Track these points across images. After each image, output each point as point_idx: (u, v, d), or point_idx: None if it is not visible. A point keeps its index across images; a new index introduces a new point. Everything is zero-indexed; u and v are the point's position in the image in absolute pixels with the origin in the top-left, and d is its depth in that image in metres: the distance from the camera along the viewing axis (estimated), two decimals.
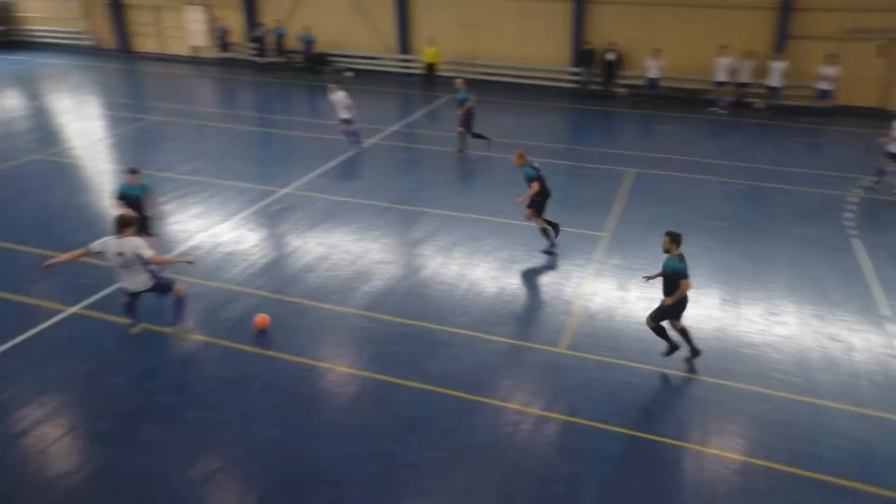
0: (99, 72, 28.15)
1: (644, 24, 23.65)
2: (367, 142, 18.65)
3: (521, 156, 12.13)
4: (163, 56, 30.75)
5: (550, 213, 13.37)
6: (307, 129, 19.38)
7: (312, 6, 27.82)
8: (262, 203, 14.43)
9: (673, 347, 9.21)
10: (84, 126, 20.48)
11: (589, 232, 13.23)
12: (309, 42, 27.40)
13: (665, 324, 9.16)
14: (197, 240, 12.70)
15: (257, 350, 9.35)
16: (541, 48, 25.32)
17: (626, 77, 24.25)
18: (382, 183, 15.70)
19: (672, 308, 8.90)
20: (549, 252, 12.40)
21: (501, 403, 8.43)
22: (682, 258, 8.78)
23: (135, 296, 9.33)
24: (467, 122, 17.66)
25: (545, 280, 11.43)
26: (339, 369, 9.02)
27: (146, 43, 31.23)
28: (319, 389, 8.65)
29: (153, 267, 9.13)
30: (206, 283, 11.11)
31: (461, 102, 17.48)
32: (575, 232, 13.14)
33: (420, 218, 13.74)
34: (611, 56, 23.80)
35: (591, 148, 18.73)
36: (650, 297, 10.74)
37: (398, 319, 10.17)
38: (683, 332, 9.17)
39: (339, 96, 17.42)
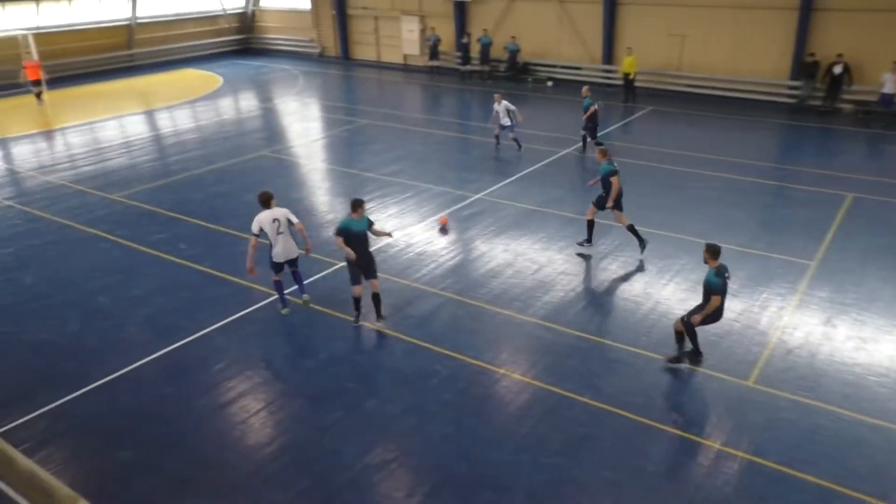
0: (321, 77, 30.57)
1: (880, 34, 21.28)
2: (561, 152, 18.56)
3: (604, 153, 12.26)
4: (377, 63, 32.72)
5: (749, 234, 12.46)
6: (505, 137, 19.67)
7: (520, 16, 28.20)
8: (455, 207, 14.86)
9: (696, 354, 9.15)
10: (304, 126, 22.37)
11: (795, 259, 12.16)
12: (513, 51, 27.80)
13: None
14: (392, 238, 13.35)
15: (438, 349, 9.65)
16: (756, 60, 23.68)
17: (854, 92, 21.98)
18: (572, 194, 15.53)
19: (703, 322, 8.87)
20: (582, 246, 12.64)
21: (678, 432, 8.01)
22: (719, 271, 8.71)
23: (291, 264, 10.35)
24: (591, 127, 18.01)
25: (739, 306, 10.68)
26: (514, 376, 9.06)
27: (364, 51, 33.41)
28: (493, 393, 8.75)
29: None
30: (396, 279, 11.66)
31: (586, 108, 17.83)
32: (778, 258, 12.15)
33: (608, 231, 13.42)
34: (837, 69, 21.69)
35: (804, 168, 17.21)
36: (862, 335, 9.67)
37: (576, 332, 10.01)
38: (690, 330, 9.05)
39: (503, 105, 18.12)
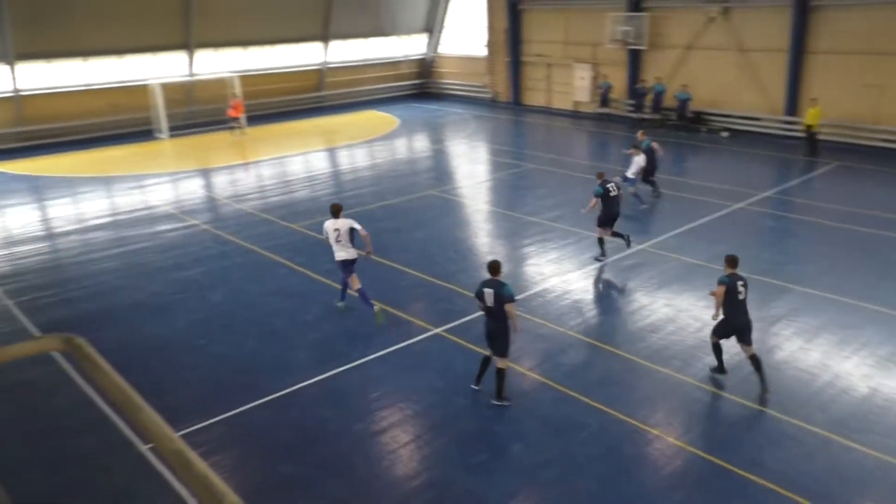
0: (492, 121, 31.31)
1: None
2: (732, 206, 17.64)
3: (600, 175, 14.49)
4: (547, 109, 33.01)
5: None
6: (672, 188, 19.04)
7: (695, 64, 27.38)
8: (616, 257, 14.54)
9: (720, 369, 9.89)
10: (472, 168, 22.97)
11: None
12: (684, 100, 26.97)
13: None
14: (549, 283, 13.29)
15: (589, 401, 9.41)
16: None
17: None
18: (744, 251, 14.62)
19: (716, 331, 9.73)
20: (599, 260, 14.08)
21: None
22: (729, 274, 9.44)
23: (345, 269, 11.66)
24: (649, 170, 18.03)
25: None
26: (668, 438, 8.62)
27: (535, 97, 33.85)
28: (644, 454, 8.37)
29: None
30: (550, 325, 11.56)
31: (646, 150, 17.96)
32: None
33: (782, 293, 12.52)
34: None
35: None
36: None
37: (740, 399, 9.37)
38: (715, 348, 9.85)
39: (639, 158, 17.54)
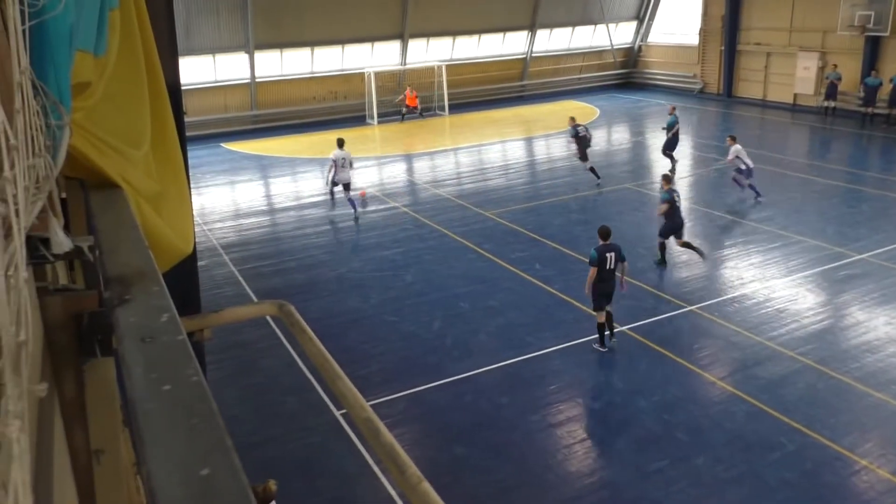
0: (698, 114, 29.58)
1: None
2: None
3: (665, 181, 13.92)
4: (762, 102, 30.54)
5: None
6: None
7: None
8: (829, 265, 13.14)
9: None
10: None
11: None
12: None
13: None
14: (749, 288, 12.33)
15: (786, 419, 8.62)
16: None
17: None
18: None
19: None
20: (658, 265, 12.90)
21: None
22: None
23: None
24: (670, 143, 19.70)
25: None
26: (879, 472, 7.67)
27: (749, 88, 31.46)
28: (848, 486, 7.51)
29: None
30: (747, 334, 10.72)
31: (671, 126, 19.73)
32: None
33: None
34: None
35: None
36: None
37: None
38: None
39: (736, 147, 16.90)
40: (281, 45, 28.89)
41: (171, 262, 2.63)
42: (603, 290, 10.28)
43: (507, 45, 34.27)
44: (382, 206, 18.40)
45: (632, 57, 37.67)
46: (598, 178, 18.97)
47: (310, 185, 20.94)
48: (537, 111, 31.71)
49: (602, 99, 33.69)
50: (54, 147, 1.50)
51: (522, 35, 34.21)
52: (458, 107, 31.65)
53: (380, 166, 23.14)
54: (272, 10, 27.82)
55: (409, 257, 14.70)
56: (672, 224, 13.25)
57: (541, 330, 11.18)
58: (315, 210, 18.43)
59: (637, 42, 37.35)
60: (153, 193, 2.45)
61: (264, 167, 23.82)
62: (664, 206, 13.20)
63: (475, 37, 33.13)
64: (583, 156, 19.20)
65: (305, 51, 29.62)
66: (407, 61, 31.60)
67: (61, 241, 1.46)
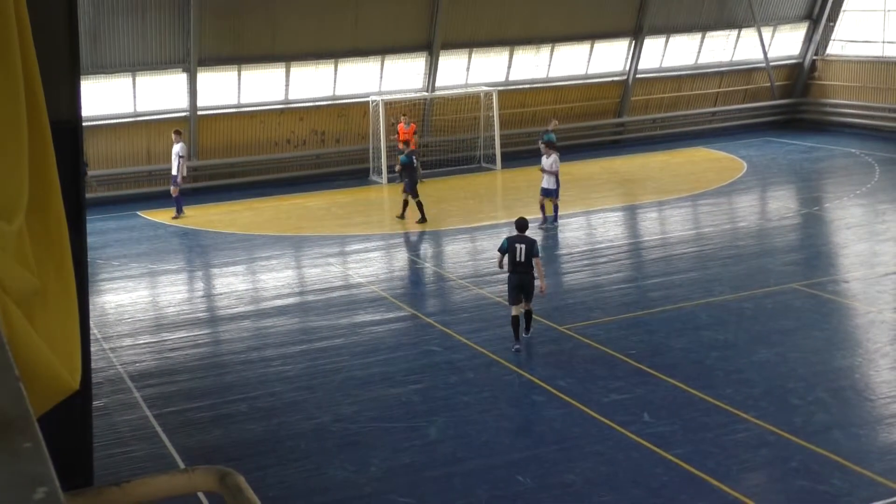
0: None
1: None
2: None
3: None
4: None
5: None
6: None
7: None
8: None
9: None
10: (870, 248, 21.81)
11: None
12: None
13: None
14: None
15: None
16: None
17: None
18: None
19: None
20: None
21: None
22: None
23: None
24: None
25: None
26: None
27: None
28: None
29: None
30: None
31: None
32: None
33: None
34: None
35: None
36: None
37: None
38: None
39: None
40: (239, 59, 29.70)
41: (51, 402, 2.63)
42: (515, 283, 15.66)
43: (598, 60, 34.75)
44: (391, 314, 18.53)
45: (801, 79, 38.05)
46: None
47: (276, 280, 21.20)
48: (644, 164, 32.09)
49: (750, 145, 34.11)
50: None
51: (621, 46, 34.72)
52: (515, 157, 32.14)
53: (389, 251, 23.44)
54: (227, 8, 28.51)
55: (434, 399, 14.67)
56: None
57: None
58: (282, 319, 18.60)
59: (809, 56, 37.70)
60: (28, 292, 2.43)
61: (205, 250, 24.33)
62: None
63: (544, 48, 33.63)
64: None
65: (277, 69, 30.41)
66: (436, 84, 32.24)
67: None
